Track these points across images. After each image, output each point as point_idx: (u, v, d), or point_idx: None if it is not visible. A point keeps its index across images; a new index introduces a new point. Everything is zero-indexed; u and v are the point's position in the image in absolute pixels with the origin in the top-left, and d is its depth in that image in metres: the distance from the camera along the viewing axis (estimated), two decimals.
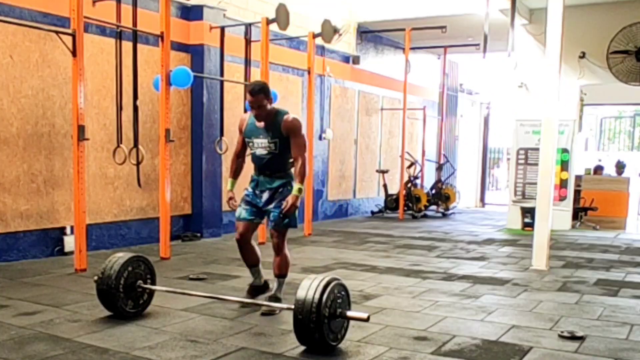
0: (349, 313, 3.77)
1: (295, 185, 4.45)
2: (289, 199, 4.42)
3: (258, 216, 4.68)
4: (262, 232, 8.27)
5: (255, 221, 4.69)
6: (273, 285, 4.75)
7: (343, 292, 3.78)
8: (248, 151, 4.75)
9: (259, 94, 4.41)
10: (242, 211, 4.66)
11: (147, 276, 4.52)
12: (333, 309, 3.66)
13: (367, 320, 3.73)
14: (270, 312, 4.46)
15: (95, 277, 4.36)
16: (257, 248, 4.81)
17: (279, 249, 4.61)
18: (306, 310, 3.55)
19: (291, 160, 4.57)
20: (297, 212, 4.56)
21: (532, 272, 6.57)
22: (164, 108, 6.81)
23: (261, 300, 4.68)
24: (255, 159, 4.62)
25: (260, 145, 4.53)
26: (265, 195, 4.60)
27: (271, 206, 4.57)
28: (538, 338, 4.10)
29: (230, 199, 4.75)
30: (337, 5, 11.42)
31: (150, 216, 7.80)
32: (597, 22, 10.23)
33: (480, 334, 4.16)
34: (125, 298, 4.34)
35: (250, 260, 4.80)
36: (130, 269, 4.38)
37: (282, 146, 4.50)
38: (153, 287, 4.52)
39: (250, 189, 4.70)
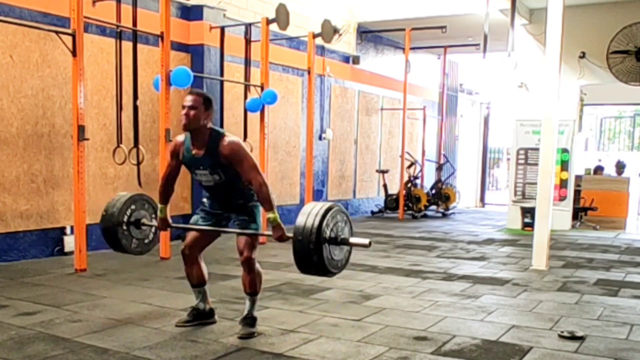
0: (351, 239, 3.64)
1: (268, 215, 3.78)
2: (274, 235, 3.77)
3: (216, 225, 4.06)
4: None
5: (211, 232, 4.12)
6: (246, 302, 4.10)
7: (345, 219, 3.66)
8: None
9: (198, 95, 3.85)
10: (198, 218, 4.10)
11: (152, 215, 4.39)
12: (334, 233, 3.54)
13: (368, 245, 3.64)
14: (249, 335, 3.95)
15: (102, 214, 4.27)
16: (204, 266, 4.22)
17: (248, 263, 3.92)
18: (306, 233, 3.43)
19: (247, 188, 3.95)
20: (260, 222, 4.05)
21: (532, 272, 6.57)
22: (164, 108, 6.81)
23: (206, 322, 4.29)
24: (206, 189, 4.04)
25: (204, 176, 3.91)
26: (223, 211, 4.05)
27: (235, 215, 4.02)
28: (538, 338, 4.10)
29: (164, 222, 4.18)
30: (337, 5, 11.42)
31: None
32: (597, 22, 10.23)
33: (480, 334, 4.16)
34: (129, 235, 4.25)
35: (196, 277, 4.18)
36: (133, 207, 4.28)
37: (228, 174, 3.86)
38: (155, 223, 4.33)
39: (207, 201, 4.12)
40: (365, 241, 3.64)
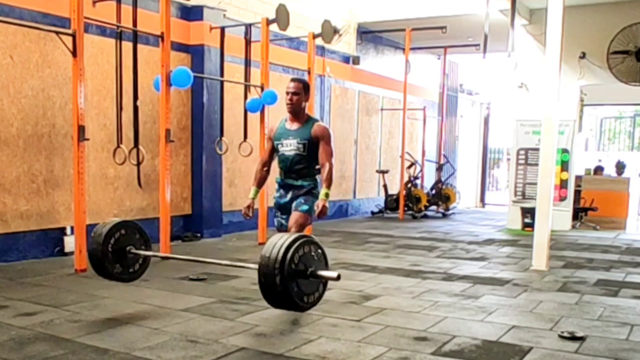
0: (320, 272, 3.55)
1: (323, 190, 4.52)
2: (319, 203, 4.47)
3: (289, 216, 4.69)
4: (262, 232, 8.28)
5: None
6: None
7: (316, 251, 3.59)
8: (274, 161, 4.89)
9: (300, 82, 4.63)
10: (280, 220, 4.76)
11: (142, 246, 4.42)
12: (302, 266, 3.46)
13: (337, 279, 3.56)
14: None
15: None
16: None
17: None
18: (270, 265, 3.38)
19: (317, 167, 4.65)
20: (313, 207, 4.58)
21: (532, 272, 6.57)
22: (164, 108, 6.81)
23: None
24: (282, 160, 4.67)
25: (289, 145, 4.60)
26: (290, 194, 4.67)
27: (298, 200, 4.61)
28: (538, 338, 4.10)
29: (249, 207, 4.76)
30: (337, 5, 11.42)
31: (151, 216, 7.79)
32: (597, 22, 10.24)
33: (481, 335, 4.16)
34: (113, 260, 4.26)
35: None
36: (123, 232, 4.33)
37: (309, 149, 4.59)
38: (143, 252, 4.39)
39: (277, 194, 4.76)
40: (334, 274, 3.55)
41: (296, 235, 3.55)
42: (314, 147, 4.59)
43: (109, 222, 4.36)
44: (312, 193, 4.62)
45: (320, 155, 4.61)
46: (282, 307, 3.54)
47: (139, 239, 4.44)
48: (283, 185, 4.71)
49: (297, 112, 4.61)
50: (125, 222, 4.42)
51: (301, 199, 4.57)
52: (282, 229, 4.71)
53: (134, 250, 4.35)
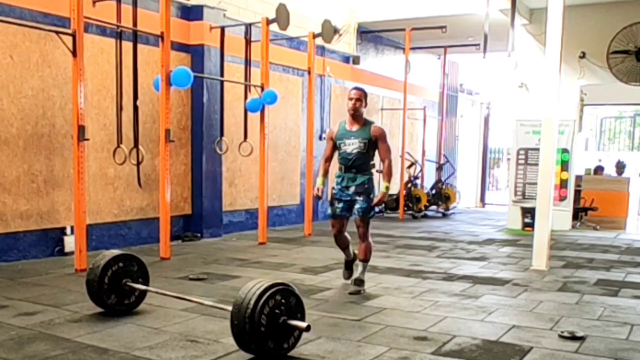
0: (290, 321, 3.55)
1: (383, 184, 5.31)
2: (379, 195, 5.30)
3: (348, 211, 5.41)
4: (262, 232, 8.28)
5: (347, 216, 5.45)
6: (357, 268, 5.52)
7: (289, 299, 3.59)
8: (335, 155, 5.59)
9: (362, 91, 5.45)
10: (335, 209, 5.45)
11: (139, 279, 4.52)
12: (272, 315, 3.48)
13: (306, 330, 3.56)
14: (357, 292, 5.33)
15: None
16: (347, 235, 5.59)
17: (364, 237, 5.38)
18: (241, 314, 3.42)
19: (372, 162, 5.43)
20: (375, 208, 5.47)
21: (532, 272, 6.57)
22: (164, 108, 6.81)
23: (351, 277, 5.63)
24: (344, 157, 5.37)
25: (351, 144, 5.34)
26: (352, 189, 5.34)
27: (358, 199, 5.32)
28: (538, 338, 4.10)
29: (319, 189, 5.58)
30: (337, 5, 11.42)
31: (151, 216, 7.80)
32: (597, 22, 10.24)
33: (481, 334, 4.16)
34: (108, 291, 4.35)
35: (343, 244, 5.64)
36: (121, 264, 4.42)
37: (368, 147, 5.34)
38: (138, 286, 4.50)
39: (337, 187, 5.44)
40: (303, 324, 3.55)
41: (270, 283, 3.55)
42: (372, 145, 5.34)
43: (108, 254, 4.45)
44: (367, 191, 5.33)
45: (381, 153, 5.35)
46: (256, 354, 3.57)
47: (137, 271, 4.55)
48: (343, 179, 5.38)
49: (358, 115, 5.40)
50: (124, 254, 4.51)
51: (363, 204, 5.29)
52: (336, 216, 5.44)
53: (129, 284, 4.46)
